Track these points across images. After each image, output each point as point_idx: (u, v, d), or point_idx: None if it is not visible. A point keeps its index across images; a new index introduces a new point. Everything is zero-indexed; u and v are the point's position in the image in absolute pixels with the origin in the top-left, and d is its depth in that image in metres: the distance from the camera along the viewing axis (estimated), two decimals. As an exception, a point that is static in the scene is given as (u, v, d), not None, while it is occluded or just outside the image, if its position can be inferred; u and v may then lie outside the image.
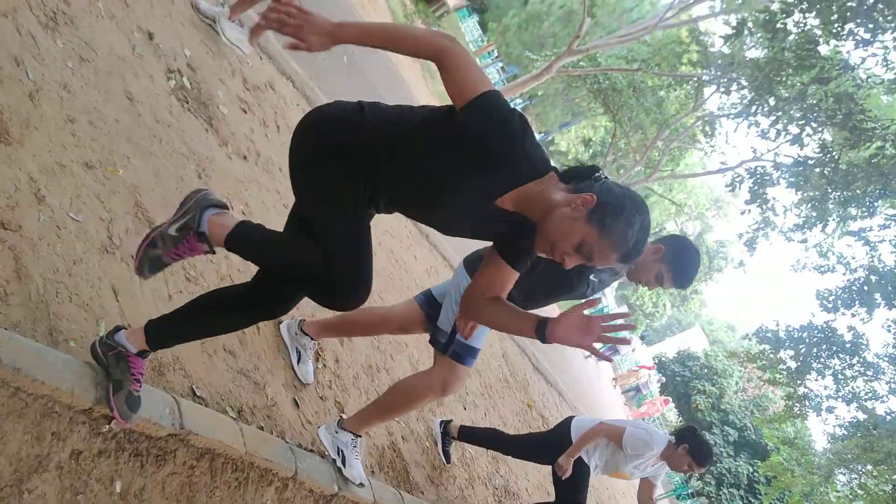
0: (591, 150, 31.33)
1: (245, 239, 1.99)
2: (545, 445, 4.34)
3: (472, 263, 3.20)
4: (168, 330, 1.99)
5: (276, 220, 3.83)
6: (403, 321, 3.48)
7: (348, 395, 3.64)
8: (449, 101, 1.87)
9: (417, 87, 13.89)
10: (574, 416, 4.51)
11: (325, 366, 3.59)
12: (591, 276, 3.12)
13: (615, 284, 3.23)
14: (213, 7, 4.29)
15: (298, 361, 3.29)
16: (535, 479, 6.37)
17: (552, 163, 1.96)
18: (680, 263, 3.12)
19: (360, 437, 3.07)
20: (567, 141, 30.13)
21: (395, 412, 3.25)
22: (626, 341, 1.98)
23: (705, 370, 32.81)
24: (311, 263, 1.94)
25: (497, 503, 4.92)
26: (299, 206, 2.15)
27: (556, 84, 23.77)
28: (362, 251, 2.02)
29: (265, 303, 2.04)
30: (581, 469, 4.24)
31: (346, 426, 3.04)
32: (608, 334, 1.81)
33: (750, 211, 13.44)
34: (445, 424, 4.51)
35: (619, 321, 1.81)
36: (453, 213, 2.00)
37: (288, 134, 4.73)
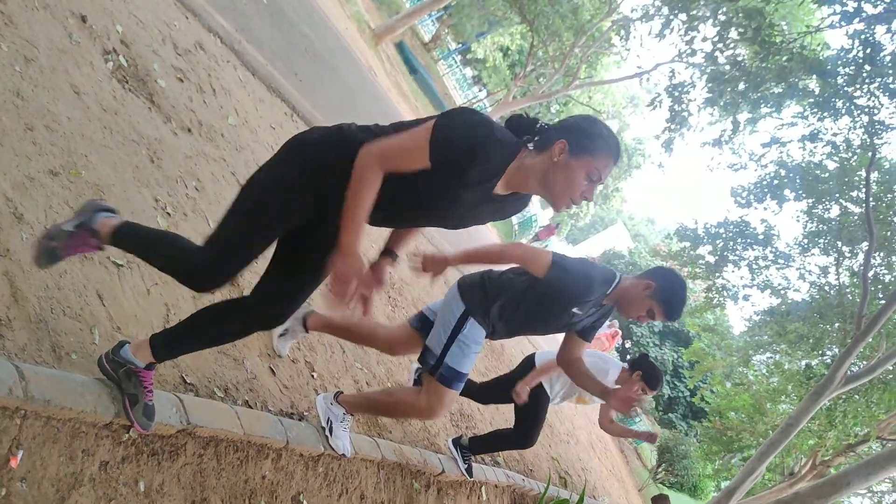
0: (509, 60, 31.20)
1: (126, 234, 2.20)
2: (512, 384, 4.60)
3: (467, 286, 3.31)
4: (173, 345, 2.14)
5: (226, 190, 3.91)
6: (393, 342, 3.62)
7: (316, 353, 3.85)
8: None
9: (350, 34, 13.56)
10: (536, 352, 4.79)
11: (291, 329, 3.77)
12: (575, 310, 3.17)
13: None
14: None
15: (280, 335, 3.46)
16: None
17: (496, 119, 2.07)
18: (670, 297, 3.13)
19: (353, 416, 3.28)
20: (484, 48, 29.91)
21: (379, 412, 3.51)
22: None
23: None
24: (188, 250, 2.10)
25: (454, 426, 5.28)
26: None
27: (470, -7, 23.45)
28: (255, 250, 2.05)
29: (257, 311, 2.16)
30: (540, 397, 4.56)
31: (341, 400, 3.26)
32: None
33: (662, 107, 13.81)
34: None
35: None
36: (455, 214, 2.10)
37: (224, 96, 4.75)
